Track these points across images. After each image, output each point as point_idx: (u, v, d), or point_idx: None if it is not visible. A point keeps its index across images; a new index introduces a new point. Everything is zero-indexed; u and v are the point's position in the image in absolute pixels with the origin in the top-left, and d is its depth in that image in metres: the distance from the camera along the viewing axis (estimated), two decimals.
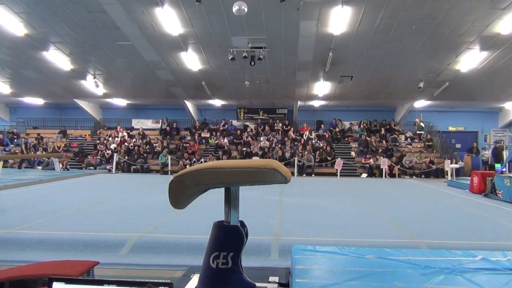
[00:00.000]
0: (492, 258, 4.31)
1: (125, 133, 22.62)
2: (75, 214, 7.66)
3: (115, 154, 19.51)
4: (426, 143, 21.57)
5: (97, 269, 3.81)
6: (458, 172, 17.52)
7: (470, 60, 15.92)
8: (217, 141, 21.54)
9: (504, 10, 12.28)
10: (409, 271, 3.90)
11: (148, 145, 21.19)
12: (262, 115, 24.22)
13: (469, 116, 23.75)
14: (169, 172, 18.35)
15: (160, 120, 24.31)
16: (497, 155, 17.75)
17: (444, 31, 13.75)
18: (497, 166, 14.52)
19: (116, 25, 13.81)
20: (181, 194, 3.18)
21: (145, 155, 20.33)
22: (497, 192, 11.22)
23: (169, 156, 19.15)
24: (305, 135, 21.94)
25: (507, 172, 12.13)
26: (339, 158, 18.61)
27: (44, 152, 20.44)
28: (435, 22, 13.15)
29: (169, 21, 13.32)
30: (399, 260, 4.25)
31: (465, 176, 16.43)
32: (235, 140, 21.55)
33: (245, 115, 24.46)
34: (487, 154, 19.61)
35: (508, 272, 3.94)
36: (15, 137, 23.01)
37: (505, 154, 15.65)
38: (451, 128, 23.88)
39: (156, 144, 21.18)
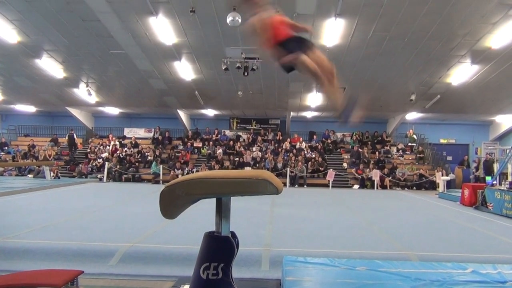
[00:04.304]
0: (482, 271, 4.33)
1: (117, 142, 22.52)
2: (64, 223, 7.58)
3: (106, 163, 19.41)
4: (418, 155, 21.70)
5: (85, 279, 3.77)
6: (449, 185, 17.60)
7: (461, 73, 16.11)
8: (209, 151, 21.51)
9: (494, 24, 12.46)
10: (399, 283, 3.90)
11: (140, 154, 21.10)
12: (255, 126, 24.26)
13: (460, 128, 23.94)
14: (161, 181, 18.26)
15: (153, 129, 24.24)
16: (487, 168, 17.88)
17: (436, 44, 13.92)
18: (488, 178, 14.62)
19: (109, 33, 13.83)
20: (172, 204, 3.16)
21: (136, 164, 20.24)
22: (487, 204, 11.28)
23: (161, 166, 19.08)
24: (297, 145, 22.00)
25: (497, 185, 12.20)
26: (331, 169, 18.64)
27: (34, 160, 20.27)
28: (426, 35, 13.31)
29: (163, 30, 13.37)
30: (390, 272, 4.25)
31: (456, 189, 16.51)
32: (227, 150, 21.54)
33: (238, 125, 24.49)
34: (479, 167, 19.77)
35: (498, 285, 3.96)
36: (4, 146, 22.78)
37: (496, 167, 15.76)
38: (442, 141, 24.04)
39: (148, 153, 21.10)
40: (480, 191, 11.95)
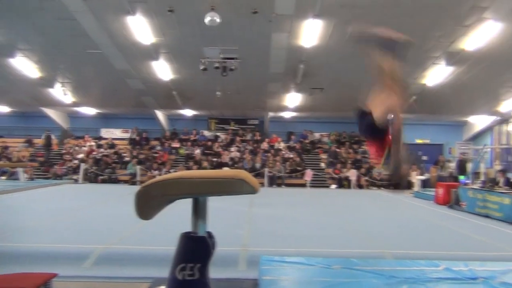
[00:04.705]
0: (454, 268, 4.43)
1: (93, 143, 22.19)
2: (38, 225, 7.44)
3: (82, 164, 19.10)
4: None
5: (58, 282, 3.71)
6: (425, 184, 17.90)
7: (436, 74, 16.44)
8: (187, 151, 21.39)
9: (468, 27, 12.77)
10: (374, 281, 3.96)
11: (116, 155, 20.84)
12: (233, 126, 24.21)
13: (435, 129, 24.36)
14: (138, 182, 18.07)
15: (130, 130, 23.95)
16: (461, 167, 18.23)
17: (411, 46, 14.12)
18: (461, 178, 14.94)
19: (86, 32, 13.62)
20: (147, 205, 3.14)
21: (113, 165, 19.98)
22: (461, 203, 11.52)
23: (138, 166, 18.88)
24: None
25: (470, 184, 12.48)
26: (309, 169, 18.75)
27: (8, 162, 19.82)
28: None
29: (141, 30, 13.25)
30: (365, 270, 4.31)
31: (431, 188, 16.80)
32: (205, 151, 21.45)
33: (216, 125, 24.39)
34: (453, 166, 20.13)
35: (469, 281, 4.05)
36: None
37: (469, 166, 16.12)
38: (418, 141, 24.42)
39: (125, 154, 20.86)
40: (454, 190, 12.21)
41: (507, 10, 11.77)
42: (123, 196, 13.07)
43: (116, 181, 19.12)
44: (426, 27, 12.95)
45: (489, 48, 13.89)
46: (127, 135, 23.94)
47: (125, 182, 18.90)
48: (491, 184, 11.11)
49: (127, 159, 20.35)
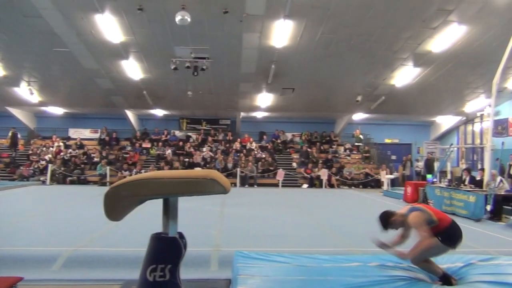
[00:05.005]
0: None
1: (61, 143, 21.67)
2: (3, 228, 7.22)
3: (49, 165, 18.65)
4: (364, 154, 22.35)
5: (24, 286, 3.61)
6: (393, 183, 18.27)
7: (404, 75, 16.78)
8: (158, 152, 21.16)
9: (435, 29, 13.07)
10: (347, 278, 4.02)
11: (85, 156, 20.44)
12: (205, 126, 24.08)
13: (403, 129, 24.89)
14: (108, 183, 17.76)
15: (99, 130, 23.50)
16: (428, 166, 18.68)
17: (380, 47, 14.42)
18: (429, 176, 15.29)
19: (53, 30, 13.27)
20: (117, 206, 3.10)
21: (82, 166, 19.59)
22: (428, 201, 11.80)
23: (108, 167, 18.57)
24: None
25: (437, 182, 12.79)
26: (281, 169, 18.85)
27: None
28: (371, 39, 13.76)
29: (110, 28, 13.01)
30: (337, 267, 4.37)
31: (400, 186, 17.14)
32: (177, 151, 21.27)
33: (188, 125, 24.21)
34: (421, 165, 20.61)
35: (434, 277, 4.16)
36: None
37: (436, 165, 16.51)
38: (387, 140, 24.88)
39: (94, 155, 20.48)
40: (422, 188, 12.49)
41: (471, 14, 12.12)
42: (92, 198, 12.83)
43: (85, 182, 18.76)
44: (395, 29, 13.22)
45: (454, 50, 14.29)
46: (96, 135, 23.50)
47: (95, 183, 18.57)
48: (457, 182, 11.42)
49: (96, 159, 19.98)
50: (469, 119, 22.29)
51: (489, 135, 11.80)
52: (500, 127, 19.33)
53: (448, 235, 4.13)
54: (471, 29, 12.97)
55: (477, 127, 22.22)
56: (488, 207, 9.59)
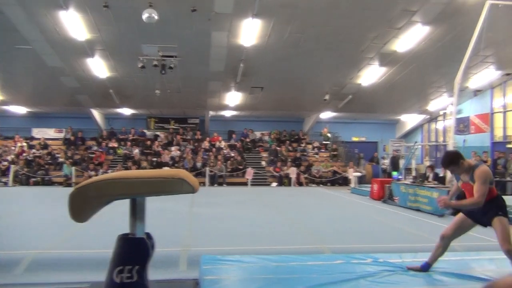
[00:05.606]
0: (389, 260, 4.64)
1: (24, 143, 21.04)
2: None
3: (12, 166, 18.07)
4: (332, 152, 22.66)
5: None
6: (361, 180, 18.59)
7: (371, 75, 17.10)
8: (125, 151, 20.83)
9: (399, 29, 13.38)
10: (314, 276, 4.06)
11: (50, 156, 19.91)
12: (174, 125, 23.86)
13: (370, 127, 25.38)
14: (73, 184, 17.36)
15: (64, 129, 22.92)
16: (394, 163, 19.11)
17: (347, 47, 14.63)
18: (394, 173, 15.63)
19: (15, 27, 12.85)
20: (82, 207, 3.02)
21: (46, 166, 19.07)
22: (394, 198, 12.07)
23: (73, 167, 18.15)
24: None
25: (403, 179, 13.09)
26: (250, 168, 18.87)
27: None
28: (339, 38, 13.94)
29: (74, 25, 12.71)
30: (305, 265, 4.41)
31: (367, 184, 17.46)
32: (144, 150, 21.00)
33: (156, 124, 23.94)
34: (387, 163, 21.05)
35: (401, 272, 4.27)
36: None
37: (401, 162, 16.90)
38: (354, 139, 25.31)
39: (59, 155, 19.97)
40: (387, 185, 12.77)
41: (434, 15, 12.47)
42: (57, 199, 12.48)
43: (49, 183, 18.28)
44: (362, 29, 13.45)
45: (418, 50, 14.67)
46: (61, 135, 22.92)
47: (60, 184, 18.12)
48: (421, 179, 11.72)
49: (61, 160, 19.50)
50: (433, 118, 22.97)
51: (452, 133, 12.17)
52: (462, 125, 19.96)
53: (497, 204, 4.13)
54: (434, 30, 13.35)
55: (440, 125, 22.93)
56: None
